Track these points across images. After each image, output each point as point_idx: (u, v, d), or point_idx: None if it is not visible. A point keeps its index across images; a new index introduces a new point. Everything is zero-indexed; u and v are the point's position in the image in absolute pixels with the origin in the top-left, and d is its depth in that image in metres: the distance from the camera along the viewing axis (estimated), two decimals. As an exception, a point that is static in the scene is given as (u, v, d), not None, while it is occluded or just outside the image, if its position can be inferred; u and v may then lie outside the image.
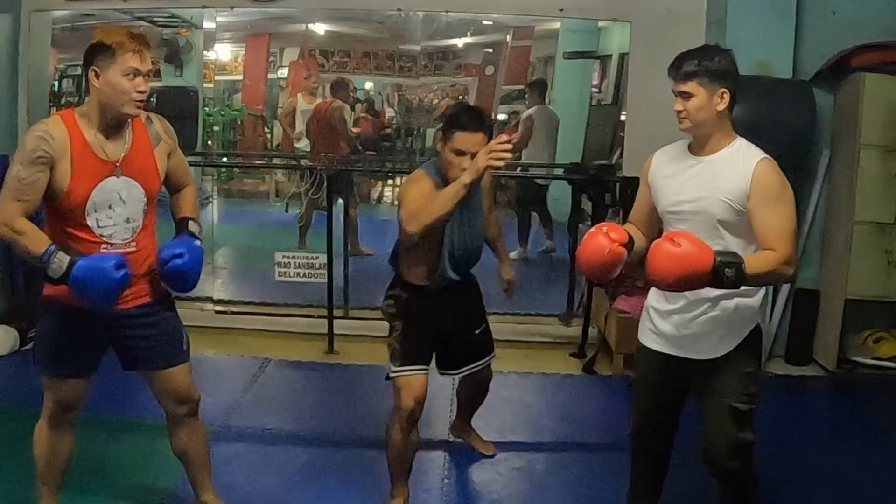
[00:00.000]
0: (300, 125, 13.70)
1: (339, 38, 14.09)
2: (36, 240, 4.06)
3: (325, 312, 8.27)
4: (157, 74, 14.72)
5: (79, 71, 14.01)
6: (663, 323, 4.41)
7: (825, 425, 7.07)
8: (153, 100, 13.99)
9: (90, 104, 4.20)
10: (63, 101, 13.80)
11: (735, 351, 4.23)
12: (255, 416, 6.58)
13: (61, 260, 3.99)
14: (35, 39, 8.79)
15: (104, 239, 4.26)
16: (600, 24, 12.00)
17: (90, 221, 4.20)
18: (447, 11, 9.48)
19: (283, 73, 16.19)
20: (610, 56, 12.61)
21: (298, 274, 8.37)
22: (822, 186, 8.19)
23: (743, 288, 3.94)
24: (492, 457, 6.16)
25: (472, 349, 5.68)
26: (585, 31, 13.17)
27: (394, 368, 5.25)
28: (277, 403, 6.98)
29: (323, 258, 8.22)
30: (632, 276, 8.01)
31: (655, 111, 8.20)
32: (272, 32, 15.13)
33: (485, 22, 12.59)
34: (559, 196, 11.58)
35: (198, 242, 4.66)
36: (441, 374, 5.63)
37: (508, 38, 14.56)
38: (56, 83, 13.53)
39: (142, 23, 12.93)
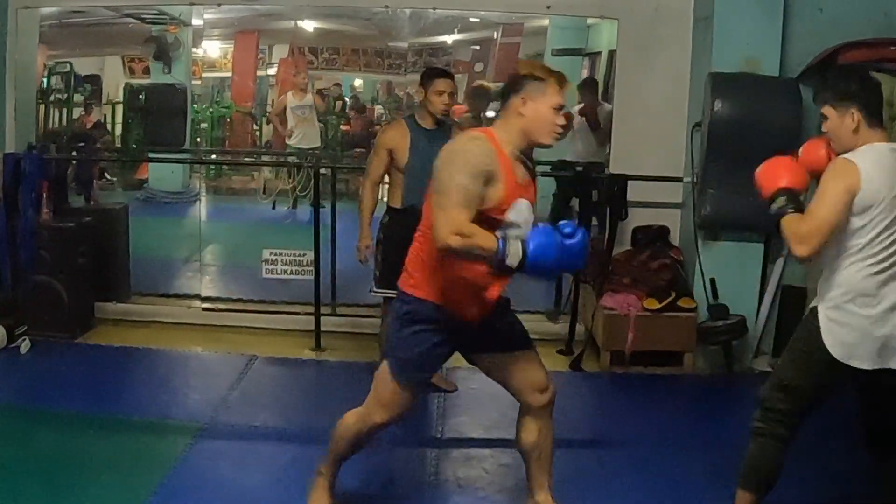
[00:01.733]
0: (291, 122, 13.71)
1: (327, 35, 14.10)
2: (489, 237, 4.18)
3: (312, 309, 8.25)
4: (145, 71, 14.73)
5: (67, 68, 14.00)
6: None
7: (811, 421, 7.07)
8: (141, 97, 14.03)
9: (510, 128, 4.43)
10: (52, 98, 13.78)
11: None
12: (243, 413, 6.58)
13: (514, 248, 4.13)
14: (22, 36, 8.75)
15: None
16: (589, 21, 11.99)
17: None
18: (434, 8, 9.49)
19: (273, 70, 16.19)
20: (599, 53, 12.61)
21: (286, 271, 8.35)
22: (810, 183, 8.18)
23: None
24: (452, 391, 7.01)
25: None
26: (574, 28, 13.16)
27: (374, 288, 6.77)
28: (264, 400, 6.98)
29: (310, 255, 8.21)
30: (619, 273, 8.04)
31: (643, 108, 8.25)
32: (261, 29, 15.12)
33: (472, 19, 12.59)
34: (545, 194, 11.58)
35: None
36: None
37: (497, 35, 14.56)
38: (45, 80, 13.49)
39: (130, 19, 12.94)
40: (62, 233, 8.24)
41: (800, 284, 8.21)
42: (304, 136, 13.76)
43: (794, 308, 8.17)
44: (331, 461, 5.02)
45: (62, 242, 8.19)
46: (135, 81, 15.25)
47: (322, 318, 8.28)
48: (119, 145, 15.03)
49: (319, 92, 14.90)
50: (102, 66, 15.99)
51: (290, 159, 13.54)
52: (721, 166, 7.66)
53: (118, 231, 9.12)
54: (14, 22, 8.62)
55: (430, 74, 6.87)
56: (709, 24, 7.93)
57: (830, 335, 4.35)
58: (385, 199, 7.15)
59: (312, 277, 8.21)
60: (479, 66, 15.42)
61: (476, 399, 7.04)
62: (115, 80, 15.78)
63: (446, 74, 6.90)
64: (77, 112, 14.74)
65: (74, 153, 11.33)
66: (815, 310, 4.47)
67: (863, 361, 4.35)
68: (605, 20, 9.85)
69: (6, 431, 6.03)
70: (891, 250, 4.29)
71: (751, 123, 7.56)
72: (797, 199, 4.42)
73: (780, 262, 8.17)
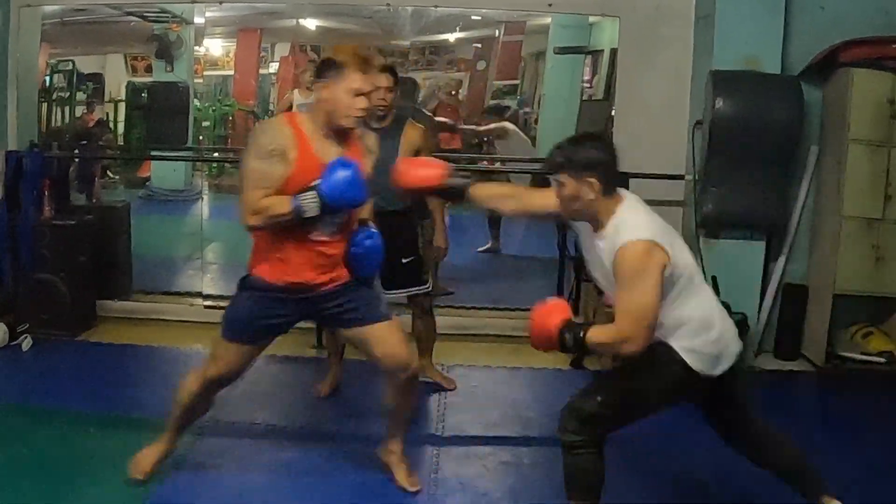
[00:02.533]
0: (297, 120, 13.73)
1: (329, 33, 14.09)
2: (282, 201, 4.56)
3: (313, 307, 8.23)
4: (147, 70, 14.74)
5: (69, 66, 14.02)
6: None
7: (814, 420, 7.08)
8: (143, 95, 14.05)
9: (314, 110, 4.76)
10: (54, 96, 13.79)
11: None
12: (244, 411, 6.57)
13: (310, 199, 4.51)
14: (25, 35, 8.76)
15: (315, 231, 4.77)
16: (591, 19, 12.00)
17: None
18: (436, 6, 9.49)
19: (275, 67, 16.19)
20: (601, 51, 12.61)
21: (287, 269, 8.37)
22: (811, 181, 8.19)
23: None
24: (452, 390, 7.12)
25: (401, 275, 6.71)
26: (576, 27, 13.18)
27: None
28: (265, 398, 6.98)
29: (311, 253, 8.21)
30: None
31: (644, 107, 8.25)
32: (263, 27, 15.13)
33: (474, 17, 12.59)
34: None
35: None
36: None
37: (500, 33, 14.57)
38: (47, 78, 13.51)
39: (132, 18, 12.94)
40: (64, 231, 8.24)
41: (801, 282, 8.22)
42: (308, 133, 13.79)
43: (796, 306, 8.19)
44: (170, 426, 5.32)
45: (64, 240, 8.19)
46: (137, 80, 15.28)
47: (323, 315, 8.25)
48: (121, 143, 15.05)
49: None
50: (104, 64, 16.02)
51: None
52: (722, 164, 7.66)
53: (120, 229, 9.12)
54: (16, 20, 8.62)
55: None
56: (710, 21, 7.93)
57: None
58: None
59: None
60: (481, 65, 15.41)
61: (476, 396, 7.04)
62: (117, 79, 15.80)
63: (383, 69, 6.64)
64: (79, 110, 14.77)
65: (76, 151, 11.34)
66: None
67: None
68: (608, 18, 9.86)
69: (8, 429, 6.03)
70: None
71: (752, 121, 7.57)
72: (579, 324, 4.35)
73: (781, 260, 8.18)
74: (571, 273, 8.51)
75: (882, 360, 7.81)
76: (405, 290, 6.86)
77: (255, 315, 4.92)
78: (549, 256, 9.28)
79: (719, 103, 7.56)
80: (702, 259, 7.78)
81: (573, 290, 8.42)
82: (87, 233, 8.43)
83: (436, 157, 6.19)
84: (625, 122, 8.52)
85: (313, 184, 4.52)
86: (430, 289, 7.04)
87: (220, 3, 9.83)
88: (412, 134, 6.70)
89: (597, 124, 11.69)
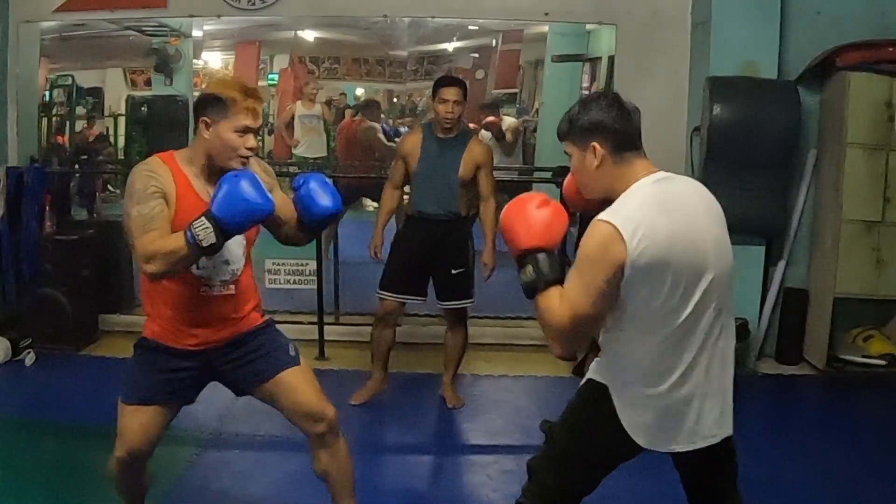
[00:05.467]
0: (299, 131, 13.75)
1: (328, 45, 14.16)
2: (175, 238, 3.92)
3: (315, 318, 8.28)
4: (147, 83, 14.78)
5: (69, 81, 14.04)
6: None
7: (816, 424, 7.09)
8: (143, 109, 14.08)
9: (195, 149, 4.20)
10: (54, 111, 13.82)
11: None
12: (247, 423, 6.59)
13: (202, 226, 3.82)
14: (24, 50, 8.79)
15: (202, 280, 4.23)
16: (589, 26, 12.02)
17: None
18: (433, 17, 9.52)
19: (274, 79, 16.23)
20: (599, 58, 12.64)
21: (288, 280, 8.36)
22: (810, 185, 8.21)
23: None
24: (459, 408, 6.97)
25: (448, 287, 6.87)
26: (574, 34, 13.20)
27: (377, 290, 6.87)
28: (268, 410, 6.86)
29: (312, 265, 8.21)
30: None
31: (642, 113, 8.23)
32: (261, 40, 15.17)
33: (471, 27, 12.62)
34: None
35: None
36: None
37: (498, 41, 14.60)
38: (47, 93, 13.54)
39: (131, 32, 12.97)
40: (65, 245, 8.25)
41: (802, 286, 8.23)
42: (310, 145, 13.84)
43: (797, 310, 8.20)
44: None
45: (66, 255, 8.21)
46: (137, 93, 15.30)
47: (325, 327, 8.31)
48: (122, 157, 15.08)
49: (328, 102, 14.97)
50: (104, 78, 16.07)
51: (293, 170, 13.57)
52: (720, 170, 7.67)
53: (121, 243, 9.09)
54: (15, 36, 8.66)
55: (437, 84, 6.83)
56: (706, 28, 7.96)
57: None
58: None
59: (315, 287, 8.23)
60: (479, 74, 15.46)
61: (479, 406, 7.06)
62: (117, 93, 15.85)
63: (452, 83, 6.82)
64: (79, 125, 14.81)
65: (77, 166, 11.37)
66: None
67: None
68: (605, 25, 9.88)
69: (12, 443, 6.05)
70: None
71: (749, 127, 7.59)
72: (552, 266, 3.63)
73: (781, 264, 8.20)
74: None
75: (883, 362, 7.84)
76: (451, 303, 6.90)
77: (150, 368, 4.38)
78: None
79: (716, 109, 7.59)
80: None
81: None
82: (89, 247, 8.45)
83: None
84: (623, 128, 8.54)
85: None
86: (474, 302, 7.04)
87: (219, 16, 9.84)
88: (476, 150, 6.74)
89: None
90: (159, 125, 13.79)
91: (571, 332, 3.47)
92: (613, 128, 3.54)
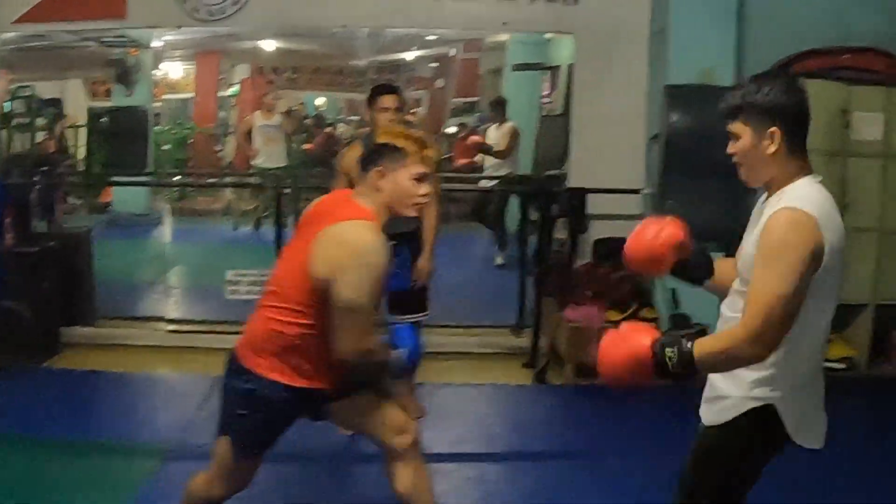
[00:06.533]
0: (258, 141, 13.74)
1: (288, 55, 14.17)
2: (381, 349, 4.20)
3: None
4: (107, 94, 14.75)
5: (29, 92, 13.98)
6: None
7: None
8: (103, 120, 14.04)
9: (375, 202, 4.21)
10: (14, 122, 13.75)
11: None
12: (210, 434, 6.54)
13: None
14: (-17, 61, 8.79)
15: None
16: (548, 35, 12.08)
17: None
18: (391, 27, 9.56)
19: (236, 89, 16.23)
20: (560, 67, 12.68)
21: (250, 291, 8.35)
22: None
23: None
24: (420, 418, 6.57)
25: (406, 302, 6.59)
26: (534, 43, 13.25)
27: None
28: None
29: (274, 275, 8.23)
30: (581, 285, 8.10)
31: (601, 121, 8.31)
32: (222, 50, 15.16)
33: (429, 37, 12.66)
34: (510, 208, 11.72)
35: None
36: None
37: (458, 51, 14.64)
38: (7, 104, 13.48)
39: (90, 43, 12.94)
40: (26, 258, 8.22)
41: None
42: (269, 155, 13.81)
43: (756, 316, 8.25)
44: None
45: (27, 268, 8.17)
46: (97, 104, 15.27)
47: (286, 337, 8.26)
48: (82, 168, 15.03)
49: (287, 111, 14.98)
50: (64, 89, 16.01)
51: (253, 180, 13.57)
52: (679, 177, 7.75)
53: (83, 255, 9.10)
54: (-26, 48, 8.66)
55: (374, 92, 6.76)
56: (665, 36, 8.02)
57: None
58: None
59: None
60: (440, 82, 15.50)
61: (441, 414, 7.08)
62: (77, 104, 15.79)
63: (390, 90, 6.76)
64: (40, 136, 14.75)
65: (37, 178, 11.34)
66: None
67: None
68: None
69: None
70: None
71: (707, 134, 7.55)
72: (678, 334, 3.41)
73: (740, 270, 8.26)
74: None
75: (843, 366, 7.90)
76: (406, 317, 6.43)
77: (274, 427, 4.39)
78: (511, 270, 9.35)
79: (674, 117, 7.66)
80: (661, 272, 7.87)
81: (534, 305, 8.46)
82: (50, 259, 8.41)
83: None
84: (582, 137, 8.61)
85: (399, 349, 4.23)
86: (428, 315, 6.88)
87: (178, 27, 9.85)
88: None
89: (556, 139, 11.77)
90: (119, 136, 13.77)
91: (772, 330, 3.19)
92: (795, 114, 3.40)
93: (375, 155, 4.26)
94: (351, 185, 6.70)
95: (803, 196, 3.30)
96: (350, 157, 6.62)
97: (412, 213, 4.28)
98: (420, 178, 4.21)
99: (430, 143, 4.38)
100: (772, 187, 3.45)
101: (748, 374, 3.45)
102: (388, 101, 6.56)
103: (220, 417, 4.46)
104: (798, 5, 8.17)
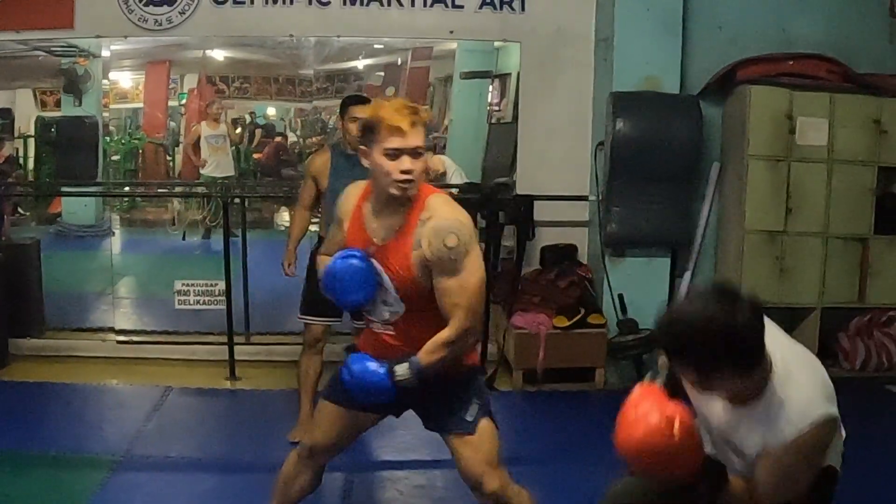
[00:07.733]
0: (206, 152, 13.69)
1: (237, 65, 14.11)
2: None
3: (225, 339, 8.27)
4: (57, 104, 14.66)
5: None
6: None
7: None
8: (53, 130, 13.97)
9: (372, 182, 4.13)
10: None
11: None
12: (158, 445, 6.57)
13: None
14: (-72, 73, 8.74)
15: (368, 316, 4.33)
16: (497, 43, 12.11)
17: None
18: (338, 36, 9.56)
19: (184, 100, 16.14)
20: (508, 74, 12.70)
21: (198, 301, 8.36)
22: (714, 197, 8.36)
23: None
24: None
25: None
26: (482, 51, 13.23)
27: (298, 314, 6.77)
28: (180, 431, 6.98)
29: (222, 285, 8.20)
30: (528, 292, 8.13)
31: (547, 129, 8.35)
32: (171, 59, 15.08)
33: (378, 45, 12.65)
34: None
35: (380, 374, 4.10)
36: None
37: (407, 58, 14.63)
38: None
39: (39, 52, 12.88)
40: (-27, 270, 8.17)
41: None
42: (217, 165, 13.75)
43: (702, 320, 8.31)
44: None
45: (-27, 279, 8.13)
46: (46, 114, 15.16)
47: (236, 347, 8.29)
48: (32, 179, 14.94)
49: (234, 121, 14.91)
50: (14, 99, 15.90)
51: (200, 189, 13.52)
52: (625, 184, 7.83)
53: (31, 266, 9.05)
54: (-81, 58, 8.61)
55: (345, 102, 6.83)
56: (609, 44, 8.09)
57: None
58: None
59: (224, 307, 8.22)
60: (390, 90, 15.47)
61: (390, 422, 7.08)
62: (26, 114, 15.69)
63: (362, 101, 6.73)
64: (-9, 146, 14.66)
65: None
66: None
67: None
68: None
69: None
70: None
71: (653, 140, 7.73)
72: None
73: (687, 275, 8.34)
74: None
75: (790, 370, 7.97)
76: (331, 320, 6.76)
77: None
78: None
79: (620, 124, 7.72)
80: (608, 277, 7.92)
81: (484, 311, 8.45)
82: (-2, 271, 8.36)
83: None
84: (528, 144, 8.68)
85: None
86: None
87: (125, 37, 9.81)
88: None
89: (505, 147, 11.79)
90: (68, 146, 13.69)
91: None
92: (746, 351, 3.24)
93: (362, 134, 4.08)
94: (318, 190, 6.75)
95: (808, 384, 3.42)
96: (318, 161, 6.80)
97: (397, 193, 3.94)
98: (394, 154, 3.88)
99: (417, 110, 3.97)
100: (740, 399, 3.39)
101: None
102: (358, 111, 6.44)
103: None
104: (742, 14, 8.28)
